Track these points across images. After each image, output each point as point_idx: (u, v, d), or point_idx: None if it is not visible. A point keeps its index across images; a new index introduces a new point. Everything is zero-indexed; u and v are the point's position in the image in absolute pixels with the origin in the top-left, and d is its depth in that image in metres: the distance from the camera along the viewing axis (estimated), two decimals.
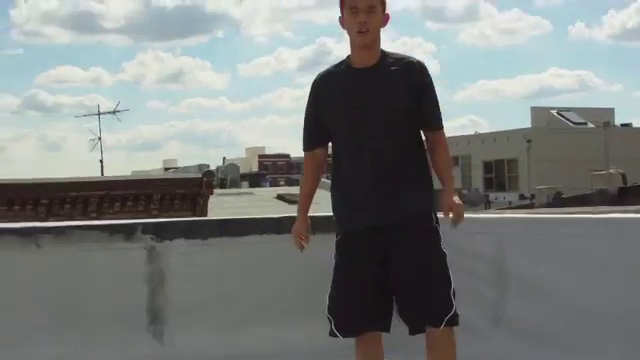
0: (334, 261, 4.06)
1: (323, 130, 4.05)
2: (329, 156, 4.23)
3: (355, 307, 3.94)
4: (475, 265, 4.57)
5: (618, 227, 4.49)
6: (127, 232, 4.95)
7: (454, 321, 3.87)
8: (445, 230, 3.93)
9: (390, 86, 3.94)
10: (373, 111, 3.94)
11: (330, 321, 3.98)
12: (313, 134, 4.11)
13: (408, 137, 4.01)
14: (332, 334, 3.99)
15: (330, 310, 4.00)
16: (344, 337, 3.97)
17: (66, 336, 4.71)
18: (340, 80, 4.01)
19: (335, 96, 3.99)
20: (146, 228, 5.00)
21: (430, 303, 3.88)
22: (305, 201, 4.20)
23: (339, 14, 4.05)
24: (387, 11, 4.01)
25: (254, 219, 5.45)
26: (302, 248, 4.15)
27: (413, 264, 3.89)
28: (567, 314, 4.47)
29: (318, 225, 5.23)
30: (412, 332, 3.95)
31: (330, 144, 4.14)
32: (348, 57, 4.05)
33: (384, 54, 4.01)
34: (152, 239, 4.95)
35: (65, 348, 4.68)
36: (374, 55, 3.99)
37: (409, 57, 4.04)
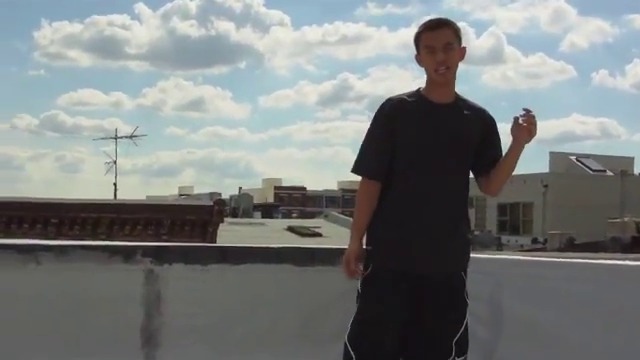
0: (359, 291, 4.03)
1: (390, 157, 3.97)
2: None
3: (382, 349, 3.94)
4: (470, 303, 4.55)
5: (620, 274, 4.45)
6: (127, 254, 4.97)
7: None
8: None
9: (467, 128, 3.98)
10: (454, 148, 3.96)
11: (350, 353, 3.97)
12: (384, 160, 3.97)
13: (467, 180, 4.07)
14: None
15: (354, 345, 3.96)
16: None
17: (59, 353, 4.74)
18: (419, 111, 3.97)
19: (416, 126, 3.96)
20: (146, 251, 5.02)
21: (427, 348, 3.95)
22: (361, 233, 4.04)
23: (415, 52, 4.04)
24: (463, 44, 4.02)
25: (254, 248, 5.46)
26: (354, 276, 4.01)
27: (432, 311, 3.94)
28: (562, 359, 4.43)
29: (319, 258, 5.27)
30: None
31: None
32: (419, 90, 4.04)
33: (457, 96, 4.04)
34: (151, 262, 4.96)
35: None
36: (451, 93, 4.02)
37: (481, 107, 4.10)
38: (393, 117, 3.97)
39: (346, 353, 3.99)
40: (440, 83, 3.97)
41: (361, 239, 4.05)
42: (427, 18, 4.05)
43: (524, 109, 3.90)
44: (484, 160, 4.04)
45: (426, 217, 3.92)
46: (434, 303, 3.94)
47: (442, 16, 4.10)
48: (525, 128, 3.89)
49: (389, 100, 4.03)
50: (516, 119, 3.90)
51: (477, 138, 4.00)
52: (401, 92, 4.10)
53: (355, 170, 4.07)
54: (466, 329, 4.02)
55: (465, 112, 4.01)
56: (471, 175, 4.12)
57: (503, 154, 4.06)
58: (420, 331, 3.93)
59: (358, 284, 4.05)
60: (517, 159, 4.01)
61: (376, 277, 3.97)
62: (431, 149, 3.94)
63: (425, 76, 4.04)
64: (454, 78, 4.02)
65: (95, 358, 4.80)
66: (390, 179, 3.99)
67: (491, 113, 4.12)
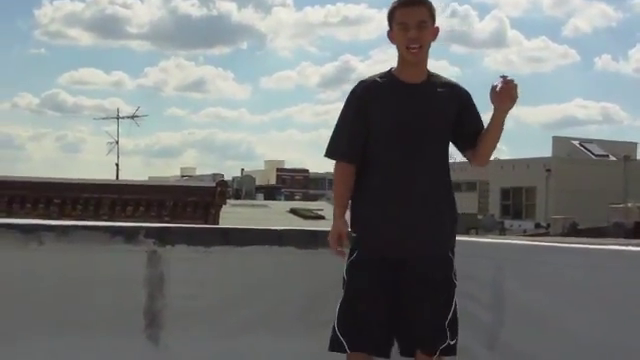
0: (346, 277, 4.00)
1: (364, 140, 3.94)
2: None
3: (371, 332, 3.91)
4: (472, 288, 4.56)
5: (622, 260, 4.44)
6: (129, 235, 4.97)
7: (447, 352, 3.94)
8: None
9: (441, 105, 3.93)
10: (428, 127, 3.91)
11: (339, 339, 3.93)
12: (358, 143, 3.94)
13: (446, 159, 4.03)
14: (337, 350, 3.95)
15: (344, 330, 3.93)
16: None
17: (61, 334, 4.74)
18: (391, 93, 3.92)
19: (388, 108, 3.91)
20: (149, 232, 5.01)
21: (424, 332, 3.92)
22: (344, 210, 4.04)
23: (387, 28, 3.98)
24: (436, 24, 3.96)
25: (257, 230, 5.46)
26: (340, 253, 3.98)
27: (421, 294, 3.90)
28: (563, 344, 4.44)
29: (320, 240, 5.26)
30: (402, 354, 4.01)
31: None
32: (391, 70, 3.99)
33: (430, 73, 3.99)
34: (154, 243, 4.96)
35: (60, 346, 4.71)
36: (422, 72, 3.96)
37: (454, 82, 4.04)
38: (365, 99, 3.93)
39: (335, 339, 3.95)
40: (411, 62, 3.91)
41: (344, 215, 4.03)
42: None
43: (501, 76, 3.84)
44: (466, 134, 3.99)
45: (404, 200, 3.88)
46: (422, 286, 3.89)
47: None
48: (506, 94, 3.82)
49: (361, 82, 4.00)
50: (494, 87, 3.83)
51: (452, 115, 3.94)
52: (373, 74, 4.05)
53: (328, 154, 4.04)
54: (455, 311, 3.98)
55: (438, 90, 3.95)
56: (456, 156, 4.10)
57: (485, 125, 4.00)
58: (412, 315, 3.90)
59: (344, 270, 4.02)
60: (501, 127, 3.95)
61: (360, 263, 3.94)
62: (404, 130, 3.89)
63: (396, 56, 3.97)
64: (426, 57, 3.96)
65: (97, 339, 4.80)
66: (366, 161, 3.96)
67: (464, 88, 4.05)
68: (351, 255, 3.99)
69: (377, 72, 4.06)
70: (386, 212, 3.90)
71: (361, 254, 3.95)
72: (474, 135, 3.99)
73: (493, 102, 3.86)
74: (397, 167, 3.89)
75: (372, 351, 3.94)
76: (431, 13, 3.92)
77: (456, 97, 3.98)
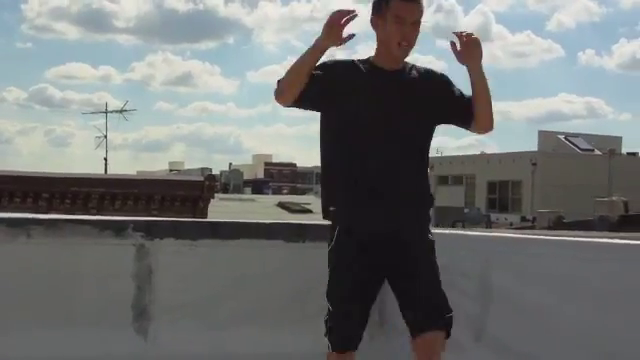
0: (331, 265, 3.86)
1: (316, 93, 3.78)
2: None
3: (352, 327, 3.80)
4: (459, 280, 4.58)
5: (608, 252, 4.48)
6: (118, 228, 4.97)
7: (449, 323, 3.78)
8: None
9: (419, 87, 3.81)
10: (403, 112, 3.78)
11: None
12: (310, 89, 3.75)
13: (426, 143, 3.90)
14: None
15: (330, 328, 3.81)
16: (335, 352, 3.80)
17: (50, 327, 4.74)
18: (367, 76, 3.82)
19: (361, 90, 3.79)
20: (137, 226, 5.02)
21: (427, 306, 3.76)
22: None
23: (371, 13, 3.82)
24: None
25: (245, 223, 5.48)
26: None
27: (419, 271, 3.77)
28: (549, 336, 4.47)
29: (309, 234, 5.28)
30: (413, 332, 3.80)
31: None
32: (369, 59, 3.88)
33: (405, 63, 3.87)
34: (142, 237, 4.97)
35: (49, 339, 4.71)
36: (402, 62, 3.87)
37: (429, 68, 3.93)
38: (335, 73, 3.80)
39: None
40: (398, 57, 3.81)
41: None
42: None
43: (454, 33, 3.76)
44: (459, 108, 3.87)
45: (375, 180, 3.74)
46: (413, 262, 3.77)
47: None
48: (469, 48, 3.75)
49: (339, 59, 3.90)
50: (453, 46, 3.76)
51: (431, 99, 3.81)
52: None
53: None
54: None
55: (414, 75, 3.84)
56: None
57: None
58: (409, 291, 3.77)
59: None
60: (483, 81, 3.81)
61: (344, 248, 3.79)
62: (380, 114, 3.76)
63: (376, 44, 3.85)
64: None
65: (86, 332, 4.81)
66: (340, 141, 3.83)
67: (442, 72, 3.93)
68: (331, 240, 3.83)
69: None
70: (358, 193, 3.76)
71: (342, 234, 3.79)
72: (466, 107, 3.86)
73: (462, 60, 3.78)
74: (369, 151, 3.75)
75: (350, 349, 3.81)
76: (423, 11, 3.80)
77: (432, 80, 3.87)
